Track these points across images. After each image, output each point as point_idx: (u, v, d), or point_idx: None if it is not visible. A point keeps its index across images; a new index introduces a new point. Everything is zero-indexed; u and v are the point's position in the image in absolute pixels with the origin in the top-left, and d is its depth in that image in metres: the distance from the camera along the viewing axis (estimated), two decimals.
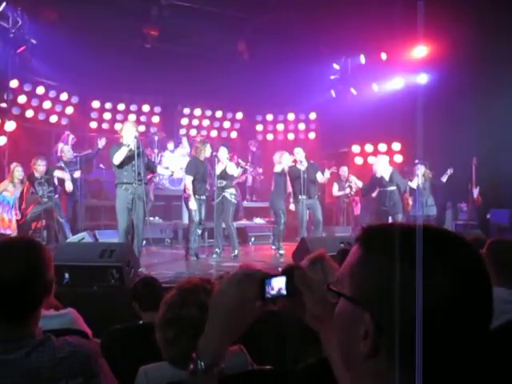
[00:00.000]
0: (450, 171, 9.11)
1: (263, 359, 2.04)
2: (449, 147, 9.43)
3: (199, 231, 7.68)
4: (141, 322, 2.83)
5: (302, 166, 8.34)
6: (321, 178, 8.47)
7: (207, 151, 7.76)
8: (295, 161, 8.49)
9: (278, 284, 1.03)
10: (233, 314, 0.97)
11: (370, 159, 10.89)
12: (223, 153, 7.88)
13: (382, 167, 8.85)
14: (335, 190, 10.28)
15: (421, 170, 8.98)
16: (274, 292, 1.02)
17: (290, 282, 1.04)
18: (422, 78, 9.88)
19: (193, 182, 7.46)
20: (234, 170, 7.97)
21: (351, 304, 0.79)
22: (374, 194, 9.65)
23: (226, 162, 7.88)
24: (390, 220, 8.53)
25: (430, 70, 9.57)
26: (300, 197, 8.29)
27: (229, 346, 1.01)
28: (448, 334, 0.72)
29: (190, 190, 7.45)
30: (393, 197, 8.59)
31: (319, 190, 8.85)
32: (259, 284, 1.00)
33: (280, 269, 1.07)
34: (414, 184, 9.01)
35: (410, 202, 9.26)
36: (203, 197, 7.62)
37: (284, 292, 1.03)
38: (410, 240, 0.75)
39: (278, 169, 8.45)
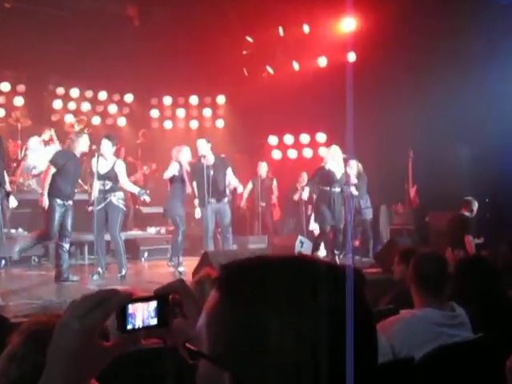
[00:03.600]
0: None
1: None
2: (381, 138, 9.84)
3: (66, 246, 7.41)
4: None
5: (207, 161, 8.37)
6: (234, 181, 8.66)
7: (83, 144, 7.53)
8: (199, 156, 8.51)
9: (146, 310, 0.97)
10: (77, 356, 0.88)
11: (321, 151, 11.00)
12: (107, 147, 7.66)
13: (335, 160, 8.77)
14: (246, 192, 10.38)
15: (353, 166, 9.22)
16: (139, 321, 0.96)
17: (162, 308, 0.98)
18: (350, 56, 10.19)
19: (56, 179, 7.18)
20: (123, 170, 7.77)
21: (209, 362, 0.78)
22: (297, 196, 9.86)
23: (111, 159, 7.68)
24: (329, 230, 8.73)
25: (359, 47, 9.91)
26: (206, 200, 8.27)
27: None
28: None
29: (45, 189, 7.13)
30: (338, 201, 8.73)
31: (230, 192, 8.96)
32: (119, 312, 0.93)
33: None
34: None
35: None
36: (69, 202, 7.35)
37: (154, 321, 0.97)
38: (270, 277, 0.77)
39: (170, 170, 8.40)
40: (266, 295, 0.75)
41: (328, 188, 8.72)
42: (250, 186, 10.46)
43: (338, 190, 8.76)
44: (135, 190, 8.01)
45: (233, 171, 8.75)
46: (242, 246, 9.16)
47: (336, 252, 8.80)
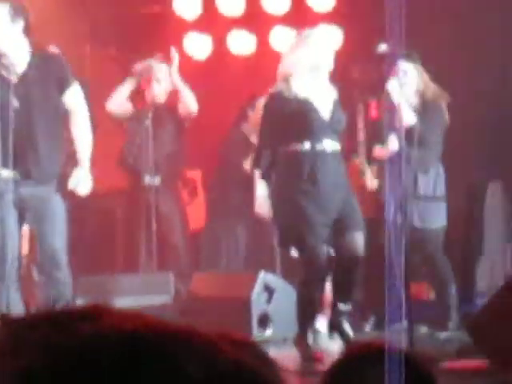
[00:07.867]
0: None
1: None
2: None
3: None
4: None
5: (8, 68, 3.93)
6: (84, 125, 4.08)
7: None
8: None
9: None
10: None
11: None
12: None
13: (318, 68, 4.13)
14: None
15: (411, 76, 4.67)
16: None
17: None
18: None
19: None
20: None
21: None
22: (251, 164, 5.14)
23: None
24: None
25: None
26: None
27: None
28: None
29: None
30: (333, 172, 4.09)
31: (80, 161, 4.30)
32: None
33: None
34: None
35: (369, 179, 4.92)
36: None
37: None
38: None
39: None
40: None
41: (300, 145, 4.04)
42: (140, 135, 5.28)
43: (329, 146, 4.05)
44: None
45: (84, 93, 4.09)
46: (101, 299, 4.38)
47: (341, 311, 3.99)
